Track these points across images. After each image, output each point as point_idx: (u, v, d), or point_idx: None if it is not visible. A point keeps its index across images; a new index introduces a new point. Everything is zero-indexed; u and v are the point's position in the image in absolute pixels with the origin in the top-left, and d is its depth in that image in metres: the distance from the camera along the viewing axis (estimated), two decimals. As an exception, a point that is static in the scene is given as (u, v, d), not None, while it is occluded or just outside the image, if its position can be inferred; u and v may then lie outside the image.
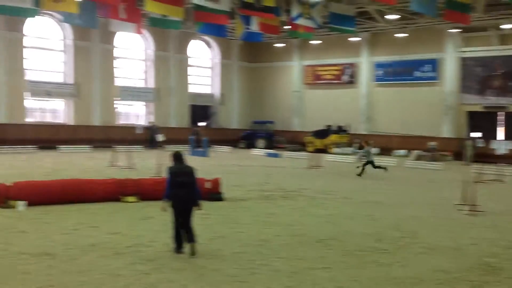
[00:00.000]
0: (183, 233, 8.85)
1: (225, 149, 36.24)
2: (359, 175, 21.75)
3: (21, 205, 12.36)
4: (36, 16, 26.29)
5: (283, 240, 10.21)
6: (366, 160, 22.15)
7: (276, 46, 42.33)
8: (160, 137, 34.69)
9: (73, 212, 12.32)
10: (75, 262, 8.22)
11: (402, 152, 34.80)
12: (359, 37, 37.50)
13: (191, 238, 8.78)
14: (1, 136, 30.80)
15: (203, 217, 12.19)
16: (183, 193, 8.80)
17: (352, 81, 39.99)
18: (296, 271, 8.13)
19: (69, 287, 7.04)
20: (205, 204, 13.72)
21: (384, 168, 22.03)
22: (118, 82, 37.39)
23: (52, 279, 7.35)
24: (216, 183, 14.90)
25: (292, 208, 14.01)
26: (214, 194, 14.58)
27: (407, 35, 35.59)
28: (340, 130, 37.38)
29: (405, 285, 7.66)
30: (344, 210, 13.94)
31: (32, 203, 12.55)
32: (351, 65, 39.95)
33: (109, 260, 8.40)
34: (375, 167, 21.94)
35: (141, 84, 39.24)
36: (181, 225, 8.85)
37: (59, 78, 34.98)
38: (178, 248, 8.94)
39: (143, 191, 14.01)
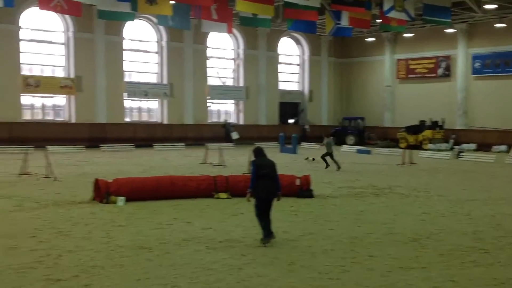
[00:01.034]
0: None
1: (315, 146, 36.01)
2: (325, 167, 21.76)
3: (120, 200, 12.94)
4: (133, 20, 27.46)
5: (375, 238, 9.99)
6: (325, 151, 21.98)
7: (366, 41, 41.54)
8: (234, 135, 34.93)
9: (167, 207, 12.73)
10: (169, 256, 8.48)
11: (502, 147, 33.00)
12: (454, 28, 35.97)
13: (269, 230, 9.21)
14: (101, 135, 32.53)
15: (292, 214, 12.22)
16: (266, 185, 9.24)
17: (447, 74, 38.45)
18: (390, 270, 7.92)
19: (165, 280, 7.25)
20: (294, 201, 13.90)
21: (338, 166, 21.60)
22: (209, 81, 38.28)
23: (149, 272, 7.61)
24: (306, 180, 14.83)
25: (384, 205, 13.67)
26: (304, 191, 14.52)
27: (506, 25, 33.66)
28: (435, 126, 36.05)
29: (505, 287, 7.24)
30: (438, 208, 13.41)
31: (129, 198, 13.11)
32: (447, 57, 38.42)
33: (202, 255, 8.59)
34: (333, 159, 21.78)
35: (231, 82, 39.91)
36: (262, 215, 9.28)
37: (154, 79, 36.36)
38: (268, 235, 9.21)
39: (235, 188, 14.22)
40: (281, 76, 42.45)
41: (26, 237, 9.48)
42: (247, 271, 7.75)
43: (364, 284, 7.25)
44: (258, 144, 10.30)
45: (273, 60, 41.13)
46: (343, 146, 35.94)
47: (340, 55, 44.59)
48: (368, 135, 39.70)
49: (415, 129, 36.39)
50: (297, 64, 43.84)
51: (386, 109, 41.79)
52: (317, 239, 9.83)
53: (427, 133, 35.58)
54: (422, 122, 36.47)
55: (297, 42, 43.20)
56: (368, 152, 31.79)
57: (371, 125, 40.83)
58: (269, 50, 40.62)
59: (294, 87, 43.88)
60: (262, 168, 9.28)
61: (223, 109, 40.11)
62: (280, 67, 42.28)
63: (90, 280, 7.18)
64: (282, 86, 42.54)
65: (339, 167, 21.48)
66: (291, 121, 42.70)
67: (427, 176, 20.48)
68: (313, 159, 23.41)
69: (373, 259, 8.49)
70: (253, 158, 9.60)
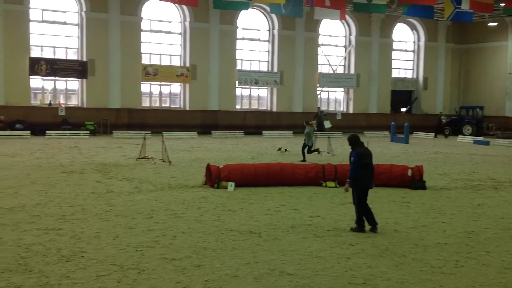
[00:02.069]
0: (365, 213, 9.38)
1: (427, 135, 34.72)
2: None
3: (230, 185, 13.29)
4: (248, 9, 27.96)
5: (492, 233, 9.46)
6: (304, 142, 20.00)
7: (488, 26, 39.13)
8: (327, 124, 34.29)
9: (276, 194, 12.88)
10: (277, 242, 8.59)
11: None
12: None
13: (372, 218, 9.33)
14: (213, 122, 33.56)
15: (403, 205, 11.89)
16: (367, 175, 9.33)
17: None
18: (508, 267, 7.48)
19: (273, 265, 7.37)
20: (406, 192, 13.52)
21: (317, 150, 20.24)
22: (320, 69, 38.10)
23: (257, 257, 7.77)
24: (418, 170, 14.34)
25: (504, 199, 12.89)
26: (416, 182, 14.06)
27: None
28: None
29: None
30: None
31: (239, 184, 13.42)
32: None
33: (310, 242, 8.61)
34: (310, 151, 19.92)
35: (341, 70, 39.42)
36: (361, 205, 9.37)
37: (265, 67, 36.82)
38: (362, 228, 9.27)
39: (343, 177, 14.07)
40: (394, 63, 41.24)
41: (144, 218, 10.02)
42: (356, 261, 7.66)
43: (479, 281, 6.91)
44: (353, 133, 10.09)
45: (386, 47, 40.03)
46: (460, 136, 34.31)
47: (458, 41, 42.43)
48: (487, 125, 37.53)
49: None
50: (412, 51, 42.33)
51: (508, 98, 39.23)
52: (430, 232, 9.49)
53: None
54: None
55: (413, 27, 41.68)
56: (486, 143, 30.09)
57: (491, 114, 38.54)
58: (383, 36, 39.55)
59: (408, 74, 42.46)
60: (365, 158, 9.32)
61: (333, 97, 39.76)
62: (394, 54, 41.06)
63: (202, 261, 7.45)
64: (394, 73, 41.34)
65: (311, 152, 20.03)
66: (403, 109, 41.40)
67: (553, 170, 19.00)
68: (286, 150, 21.65)
69: (490, 255, 8.06)
70: (351, 147, 9.58)
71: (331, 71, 38.75)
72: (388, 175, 14.09)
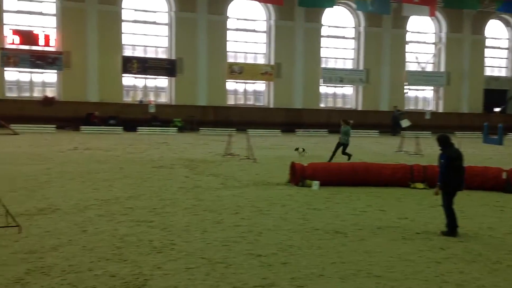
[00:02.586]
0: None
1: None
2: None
3: (315, 184, 13.24)
4: (333, 6, 27.65)
5: None
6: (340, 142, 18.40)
7: None
8: (403, 123, 33.05)
9: (362, 194, 12.69)
10: (364, 243, 8.46)
11: None
12: None
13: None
14: (297, 120, 33.56)
15: (497, 209, 11.37)
16: (458, 177, 8.98)
17: None
18: None
19: (359, 266, 7.27)
20: (500, 195, 12.89)
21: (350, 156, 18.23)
22: (408, 67, 37.14)
23: (343, 257, 7.69)
24: (513, 173, 13.63)
25: None
26: (511, 185, 13.37)
27: None
28: None
29: None
30: None
31: (323, 183, 13.34)
32: None
33: (398, 245, 8.42)
34: (344, 153, 18.29)
35: (430, 68, 38.19)
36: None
37: (350, 65, 36.36)
38: (454, 232, 8.97)
39: (432, 178, 13.63)
40: (487, 61, 39.39)
41: (230, 213, 10.21)
42: (447, 266, 7.41)
43: None
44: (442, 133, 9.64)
45: (478, 44, 38.32)
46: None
47: (558, 37, 39.91)
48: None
49: None
50: (506, 48, 40.27)
51: None
52: (527, 238, 9.02)
53: None
54: None
55: (507, 24, 39.63)
56: None
57: None
58: (475, 33, 37.92)
59: (502, 73, 40.43)
60: (455, 160, 8.96)
61: (421, 96, 38.59)
62: (486, 51, 39.23)
63: (288, 259, 7.49)
64: (488, 71, 39.49)
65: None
66: (497, 109, 39.48)
67: None
68: (303, 150, 19.83)
69: None
70: (440, 148, 9.18)
71: (419, 69, 37.63)
72: (482, 178, 13.50)
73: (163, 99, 33.15)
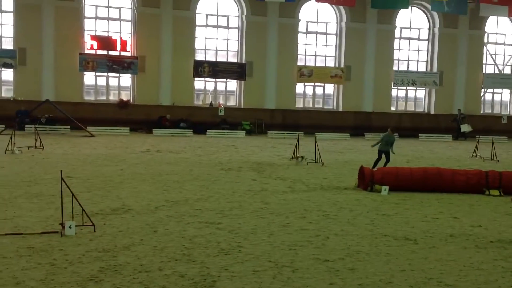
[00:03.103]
0: None
1: None
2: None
3: (384, 189, 13.01)
4: (408, 7, 26.95)
5: None
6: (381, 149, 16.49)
7: None
8: (465, 127, 31.48)
9: (433, 200, 12.36)
10: (435, 251, 8.24)
11: None
12: None
13: None
14: (366, 123, 33.04)
15: None
16: None
17: None
18: None
19: (430, 274, 7.09)
20: None
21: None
22: (485, 69, 35.76)
23: (413, 264, 7.53)
24: None
25: None
26: None
27: None
28: None
29: None
30: None
31: (393, 188, 13.08)
32: None
33: (470, 253, 8.14)
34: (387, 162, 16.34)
35: (509, 70, 36.57)
36: None
37: (423, 67, 35.44)
38: None
39: (508, 185, 13.08)
40: None
41: (297, 217, 10.21)
42: (523, 277, 7.10)
43: None
44: None
45: None
46: None
47: None
48: None
49: None
50: None
51: None
52: None
53: None
54: None
55: None
56: None
57: None
58: (557, 33, 35.97)
59: None
60: None
61: (498, 99, 37.03)
62: None
63: (355, 264, 7.40)
64: None
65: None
66: None
67: None
68: (303, 158, 18.11)
69: None
70: None
71: (497, 71, 36.13)
72: None
73: (232, 102, 33.56)
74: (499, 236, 9.18)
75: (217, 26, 32.77)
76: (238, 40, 32.92)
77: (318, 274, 6.96)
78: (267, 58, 32.55)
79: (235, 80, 32.98)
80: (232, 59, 33.14)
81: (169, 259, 7.38)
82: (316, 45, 34.19)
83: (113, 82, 31.69)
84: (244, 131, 30.21)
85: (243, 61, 32.59)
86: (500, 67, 36.20)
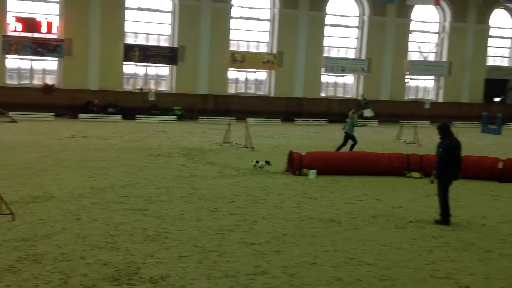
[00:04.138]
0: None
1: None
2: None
3: (312, 173, 13.26)
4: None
5: None
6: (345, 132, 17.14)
7: None
8: (367, 112, 32.35)
9: (358, 183, 12.72)
10: (358, 231, 8.51)
11: None
12: None
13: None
14: (297, 109, 33.49)
15: (492, 199, 11.41)
16: (454, 167, 9.02)
17: None
18: None
19: (352, 254, 7.31)
20: (496, 185, 12.91)
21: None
22: (410, 56, 36.98)
23: (336, 245, 7.74)
24: (510, 163, 13.63)
25: None
26: (508, 175, 13.39)
27: None
28: None
29: None
30: None
31: (321, 172, 13.36)
32: None
33: (391, 233, 8.46)
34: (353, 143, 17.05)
35: (432, 57, 38.00)
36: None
37: (352, 54, 36.22)
38: (447, 220, 9.04)
39: (428, 167, 13.63)
40: (490, 51, 39.19)
41: (225, 202, 10.24)
42: (438, 254, 7.45)
43: None
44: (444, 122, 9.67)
45: (482, 34, 38.04)
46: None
47: (561, 27, 39.62)
48: None
49: None
50: (510, 38, 40.02)
51: None
52: (520, 228, 9.05)
53: None
54: None
55: (512, 13, 39.37)
56: None
57: None
58: (479, 22, 37.63)
59: (505, 62, 40.24)
60: (454, 150, 9.00)
61: (422, 85, 38.47)
62: (490, 41, 38.98)
63: (281, 247, 7.53)
64: (490, 61, 39.31)
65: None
66: (497, 99, 39.36)
67: None
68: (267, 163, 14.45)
69: None
70: (439, 137, 9.22)
71: (421, 59, 37.47)
72: (478, 168, 13.52)
73: (164, 87, 33.09)
74: (417, 217, 9.58)
75: (148, 10, 32.10)
76: (170, 24, 32.40)
77: (244, 258, 7.03)
78: (199, 43, 32.24)
79: (167, 65, 32.51)
80: (164, 43, 32.61)
81: (92, 247, 7.22)
82: (249, 30, 34.19)
83: (38, 65, 30.46)
84: (176, 117, 29.88)
85: (175, 46, 32.15)
86: (425, 55, 37.54)
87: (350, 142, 17.23)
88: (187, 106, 30.91)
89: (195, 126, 26.73)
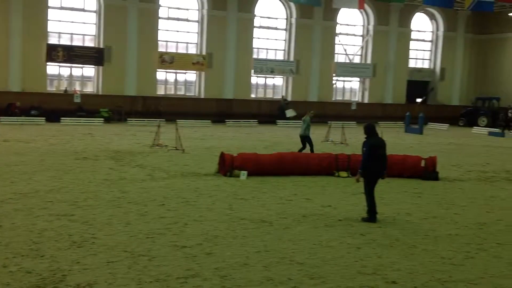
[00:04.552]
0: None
1: (442, 126, 34.45)
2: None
3: (243, 174, 13.30)
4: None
5: (505, 225, 9.39)
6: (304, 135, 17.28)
7: (509, 15, 38.54)
8: (289, 113, 33.21)
9: (288, 183, 12.88)
10: (288, 231, 8.60)
11: None
12: None
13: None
14: (228, 111, 33.55)
15: (415, 196, 11.83)
16: (379, 166, 9.28)
17: None
18: (519, 260, 7.43)
19: (283, 254, 7.38)
20: (419, 182, 13.44)
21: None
22: (336, 58, 37.85)
23: (268, 245, 7.79)
24: (431, 161, 14.24)
25: (518, 192, 12.77)
26: (429, 173, 13.97)
27: None
28: None
29: None
30: None
31: (252, 173, 13.43)
32: None
33: (321, 232, 8.61)
34: (310, 146, 17.12)
35: (358, 60, 39.11)
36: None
37: (281, 56, 36.66)
38: (374, 218, 9.30)
39: (356, 167, 13.99)
40: (411, 53, 40.82)
41: (156, 205, 10.08)
42: (366, 251, 7.65)
43: (489, 272, 6.87)
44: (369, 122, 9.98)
45: (404, 37, 39.58)
46: (474, 127, 34.00)
47: (478, 31, 41.83)
48: (502, 117, 37.09)
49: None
50: (430, 41, 41.84)
51: (526, 89, 38.73)
52: (441, 223, 9.45)
53: None
54: None
55: (431, 17, 41.16)
56: (501, 135, 29.77)
57: (508, 106, 38.01)
58: (401, 26, 39.13)
59: (425, 65, 42.04)
60: (377, 149, 9.26)
61: (348, 87, 39.52)
62: (411, 44, 40.61)
63: (212, 249, 7.49)
64: (412, 63, 40.96)
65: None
66: (419, 100, 41.05)
67: None
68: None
69: (502, 247, 8.01)
70: (365, 137, 9.49)
71: (347, 61, 38.48)
72: (402, 166, 14.03)
73: (90, 88, 32.22)
74: (346, 215, 9.81)
75: (72, 9, 31.15)
76: (96, 24, 31.59)
77: (175, 261, 6.94)
78: (127, 44, 31.64)
79: (93, 66, 31.66)
80: (90, 43, 31.75)
81: (14, 255, 6.90)
82: (178, 31, 33.89)
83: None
84: (103, 119, 29.16)
85: (101, 46, 31.37)
86: (350, 57, 38.58)
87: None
88: (114, 108, 30.25)
89: (123, 128, 26.19)
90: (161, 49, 33.19)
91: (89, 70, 32.03)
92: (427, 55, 42.05)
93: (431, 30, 41.62)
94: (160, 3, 32.61)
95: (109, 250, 7.28)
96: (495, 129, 32.42)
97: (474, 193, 12.40)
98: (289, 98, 36.40)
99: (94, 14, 31.52)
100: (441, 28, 41.11)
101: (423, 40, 41.69)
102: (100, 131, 24.12)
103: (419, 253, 7.60)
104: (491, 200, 11.70)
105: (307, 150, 17.04)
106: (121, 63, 31.59)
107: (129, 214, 9.28)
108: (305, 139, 17.32)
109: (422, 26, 41.29)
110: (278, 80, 37.12)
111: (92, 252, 7.17)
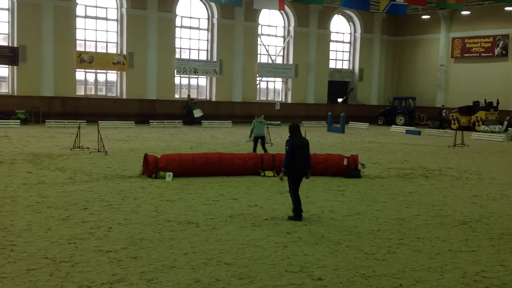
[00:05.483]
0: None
1: (363, 125, 35.61)
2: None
3: (168, 176, 13.14)
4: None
5: (423, 220, 9.81)
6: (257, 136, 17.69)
7: (422, 18, 40.45)
8: (197, 113, 33.32)
9: (214, 184, 12.85)
10: (215, 232, 8.58)
11: None
12: (515, 5, 34.53)
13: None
14: (151, 111, 33.06)
15: (339, 194, 12.14)
16: (301, 164, 9.46)
17: (504, 54, 37.08)
18: (438, 252, 7.78)
19: (210, 255, 7.35)
20: (341, 180, 13.81)
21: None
22: (259, 59, 38.19)
23: (195, 246, 7.73)
24: (353, 159, 14.67)
25: (434, 187, 13.40)
26: (352, 171, 14.38)
27: None
28: (489, 107, 34.97)
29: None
30: (490, 191, 13.06)
31: (177, 174, 13.30)
32: (505, 36, 36.99)
33: (248, 231, 8.65)
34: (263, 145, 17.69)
35: (280, 60, 39.65)
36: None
37: (204, 56, 36.53)
38: (299, 216, 9.46)
39: (280, 166, 14.17)
40: (331, 54, 41.90)
41: (78, 209, 9.76)
42: (292, 249, 7.76)
43: (410, 266, 7.15)
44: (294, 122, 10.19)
45: (324, 38, 40.59)
46: (393, 126, 35.38)
47: (393, 33, 43.59)
48: (418, 116, 38.88)
49: (468, 110, 35.42)
50: (348, 42, 43.13)
51: (439, 89, 40.73)
52: (364, 219, 9.75)
53: (481, 114, 34.58)
54: (476, 102, 35.42)
55: (349, 19, 42.45)
56: (417, 133, 31.17)
57: (423, 105, 39.92)
58: (320, 27, 40.08)
59: (345, 65, 43.28)
60: (299, 148, 9.43)
61: (272, 87, 40.00)
62: (331, 45, 41.70)
63: (138, 253, 7.34)
64: (332, 64, 42.04)
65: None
66: (339, 100, 42.25)
67: (479, 159, 19.92)
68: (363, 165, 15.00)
69: (421, 241, 8.36)
70: (288, 136, 9.64)
71: (270, 61, 38.93)
72: (325, 164, 14.36)
73: (4, 89, 30.74)
74: (272, 214, 9.91)
75: (-18, 5, 29.60)
76: (9, 22, 30.17)
77: (100, 266, 6.74)
78: (42, 42, 30.45)
79: (7, 66, 30.22)
80: (3, 42, 30.29)
81: None
82: (96, 30, 32.99)
83: None
84: (19, 121, 27.90)
85: (15, 45, 30.00)
86: (273, 57, 39.06)
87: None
88: (31, 109, 29.03)
89: (41, 130, 25.19)
90: (80, 48, 32.21)
91: (2, 70, 30.55)
92: (346, 56, 43.31)
93: (349, 32, 42.92)
94: (77, 1, 31.61)
95: (29, 257, 6.97)
96: (412, 127, 33.87)
97: (394, 190, 12.90)
98: (213, 99, 36.37)
99: (7, 12, 30.09)
100: (359, 30, 42.49)
101: (342, 42, 42.91)
102: (17, 134, 23.07)
103: (343, 250, 7.80)
104: (410, 195, 12.20)
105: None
106: (37, 63, 30.37)
107: (50, 219, 8.93)
108: (262, 139, 17.86)
109: (341, 28, 42.49)
110: (202, 80, 36.98)
111: (11, 259, 6.84)
